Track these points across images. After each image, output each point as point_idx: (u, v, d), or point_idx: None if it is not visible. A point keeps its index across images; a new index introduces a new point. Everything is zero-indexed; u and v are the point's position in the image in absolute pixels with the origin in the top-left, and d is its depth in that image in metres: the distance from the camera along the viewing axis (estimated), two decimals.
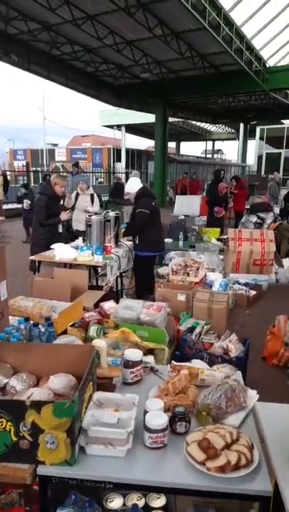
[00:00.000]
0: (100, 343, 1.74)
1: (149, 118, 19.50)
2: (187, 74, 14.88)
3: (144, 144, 29.57)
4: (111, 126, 26.95)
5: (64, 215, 4.54)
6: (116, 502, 1.82)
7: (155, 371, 1.87)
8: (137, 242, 4.51)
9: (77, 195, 6.30)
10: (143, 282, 4.66)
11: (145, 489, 1.36)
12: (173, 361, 1.90)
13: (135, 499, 1.83)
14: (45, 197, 4.48)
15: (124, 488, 1.67)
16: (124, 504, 1.80)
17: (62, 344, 1.77)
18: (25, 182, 14.72)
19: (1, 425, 1.23)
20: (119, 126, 25.96)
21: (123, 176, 17.13)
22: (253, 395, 1.66)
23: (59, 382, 1.49)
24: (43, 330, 1.95)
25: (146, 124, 23.11)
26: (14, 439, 1.23)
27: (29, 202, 9.06)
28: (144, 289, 4.61)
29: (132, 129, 26.46)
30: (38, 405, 1.21)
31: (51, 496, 1.32)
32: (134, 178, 5.34)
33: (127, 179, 12.37)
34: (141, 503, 1.82)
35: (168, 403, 1.55)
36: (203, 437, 1.33)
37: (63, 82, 14.43)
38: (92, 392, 1.50)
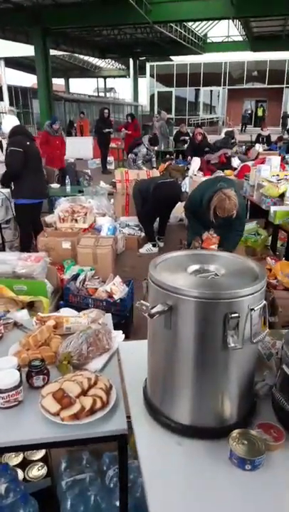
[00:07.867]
0: None
1: (31, 51, 17.52)
2: (65, 0, 13.46)
3: (30, 80, 26.79)
4: None
5: None
6: None
7: (19, 326, 1.75)
8: (13, 187, 4.06)
9: None
10: (28, 234, 4.36)
11: (3, 450, 1.29)
12: (39, 313, 1.79)
13: (13, 456, 1.79)
14: None
15: None
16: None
17: None
18: None
19: None
20: None
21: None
22: (118, 335, 1.65)
23: None
24: None
25: (28, 58, 20.82)
26: None
27: None
28: (30, 242, 4.34)
29: (13, 63, 23.67)
30: None
31: None
32: (10, 115, 4.75)
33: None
34: (18, 459, 1.79)
35: (27, 358, 1.46)
36: (59, 387, 1.29)
37: None
38: None
